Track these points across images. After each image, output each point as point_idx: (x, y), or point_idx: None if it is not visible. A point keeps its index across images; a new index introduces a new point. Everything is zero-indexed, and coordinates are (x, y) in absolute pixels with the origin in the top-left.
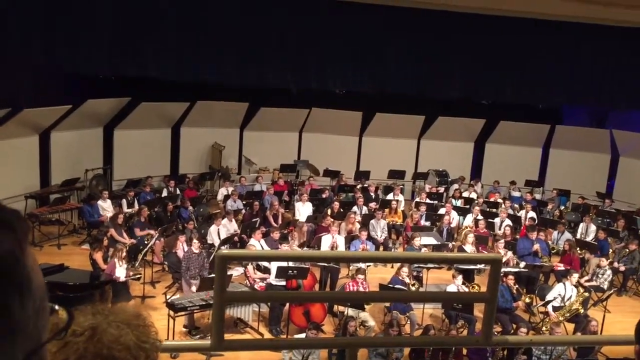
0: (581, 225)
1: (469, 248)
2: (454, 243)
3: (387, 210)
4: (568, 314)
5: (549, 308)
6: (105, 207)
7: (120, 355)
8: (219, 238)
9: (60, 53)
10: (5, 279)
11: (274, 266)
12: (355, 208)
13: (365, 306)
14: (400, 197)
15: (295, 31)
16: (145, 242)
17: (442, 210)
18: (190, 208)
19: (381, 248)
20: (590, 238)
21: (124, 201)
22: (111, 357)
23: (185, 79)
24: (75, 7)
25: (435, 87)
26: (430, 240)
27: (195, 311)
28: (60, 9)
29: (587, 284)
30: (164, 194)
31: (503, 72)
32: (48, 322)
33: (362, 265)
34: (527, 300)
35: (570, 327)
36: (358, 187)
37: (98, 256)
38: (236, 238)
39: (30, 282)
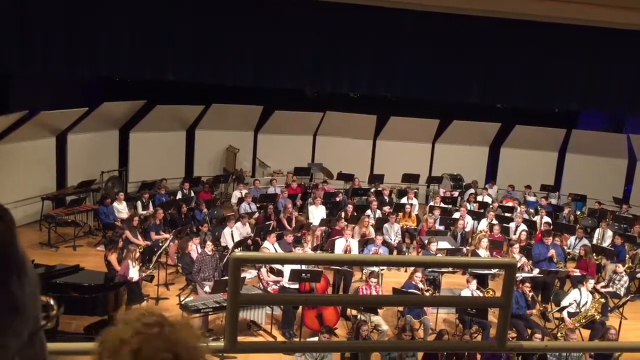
0: (597, 230)
1: (483, 253)
2: (468, 247)
3: (400, 214)
4: (584, 320)
5: (565, 314)
6: (121, 209)
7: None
8: (233, 240)
9: (82, 62)
10: (3, 257)
11: (287, 269)
12: (369, 212)
13: (378, 310)
14: (414, 201)
15: (310, 34)
16: (160, 244)
17: (456, 215)
18: (205, 210)
19: (395, 252)
20: (606, 244)
21: (139, 203)
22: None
23: (202, 81)
24: (93, 14)
25: (451, 91)
26: (444, 245)
27: (208, 313)
28: (79, 18)
29: (603, 290)
30: (179, 196)
31: (519, 76)
32: (41, 309)
33: (375, 268)
34: (541, 309)
35: (586, 333)
36: (372, 190)
37: (113, 258)
38: (250, 241)
39: (25, 265)
